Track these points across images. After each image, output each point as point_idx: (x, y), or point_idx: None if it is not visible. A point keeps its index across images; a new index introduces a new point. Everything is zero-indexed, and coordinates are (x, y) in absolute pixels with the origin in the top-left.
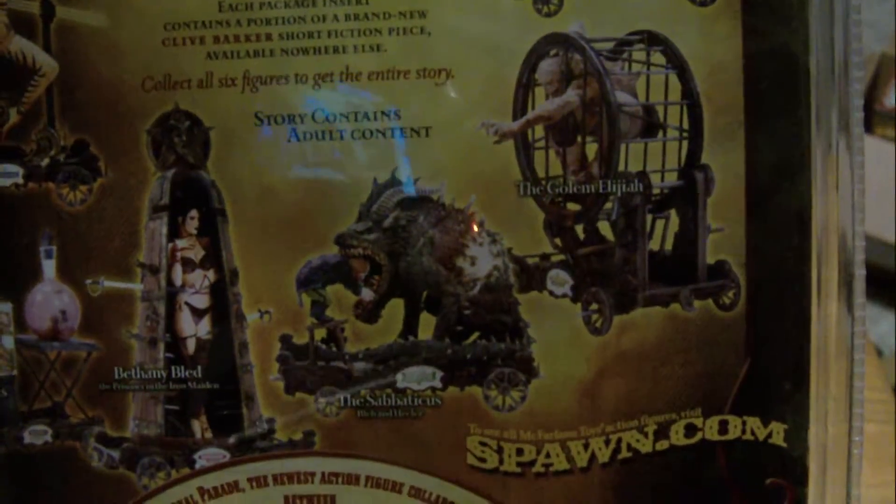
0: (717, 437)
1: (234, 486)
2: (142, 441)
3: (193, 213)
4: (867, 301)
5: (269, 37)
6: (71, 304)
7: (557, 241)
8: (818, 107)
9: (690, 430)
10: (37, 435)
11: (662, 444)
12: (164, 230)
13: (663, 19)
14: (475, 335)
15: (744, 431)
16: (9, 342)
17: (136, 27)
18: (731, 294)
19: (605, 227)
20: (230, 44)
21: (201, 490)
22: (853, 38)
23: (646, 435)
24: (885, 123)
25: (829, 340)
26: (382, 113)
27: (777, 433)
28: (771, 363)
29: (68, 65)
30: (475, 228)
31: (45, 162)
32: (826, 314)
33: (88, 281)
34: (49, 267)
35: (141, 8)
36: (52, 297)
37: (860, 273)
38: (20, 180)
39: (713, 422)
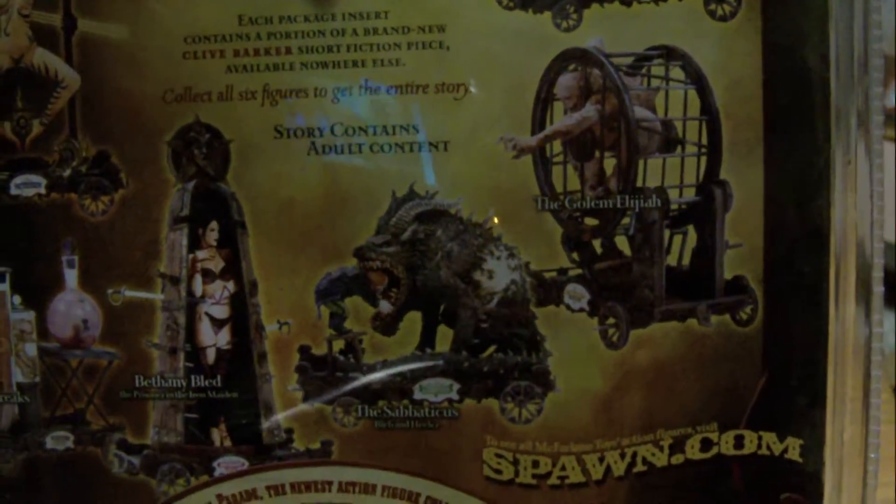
0: (732, 452)
1: (252, 494)
2: (162, 448)
3: (214, 224)
4: None
5: (288, 50)
6: (93, 313)
7: (575, 255)
8: (838, 109)
9: (706, 444)
10: (59, 440)
11: (678, 458)
12: (185, 241)
13: (683, 34)
14: (492, 348)
15: (759, 446)
16: (31, 349)
17: (157, 40)
18: (748, 309)
19: (622, 242)
20: (250, 57)
21: (220, 497)
22: (873, 39)
23: (661, 449)
24: (886, 123)
25: (846, 341)
26: (401, 127)
27: (793, 448)
28: (788, 378)
29: (90, 77)
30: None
31: (68, 173)
32: (843, 314)
33: (110, 290)
34: (71, 276)
35: (162, 21)
36: (74, 306)
37: (878, 275)
38: (43, 191)
39: (729, 436)
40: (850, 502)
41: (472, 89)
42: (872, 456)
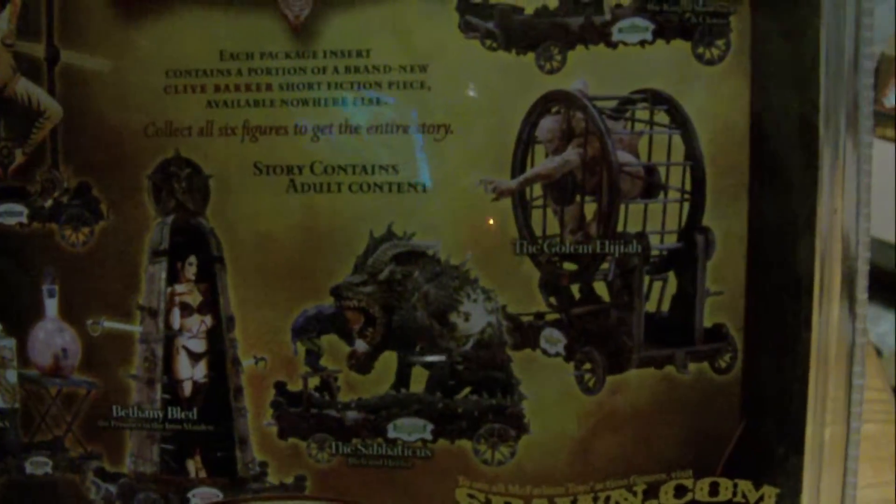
0: (707, 499)
1: None
2: (138, 477)
3: (192, 259)
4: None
5: (269, 87)
6: (72, 343)
7: (552, 300)
8: (827, 108)
9: (680, 490)
10: (38, 466)
11: None
12: (164, 275)
13: (669, 78)
14: (467, 390)
15: (735, 494)
16: (12, 376)
17: (139, 73)
18: (727, 357)
19: (601, 288)
20: (230, 93)
21: None
22: (864, 40)
23: (634, 494)
24: (885, 123)
25: (829, 345)
26: (380, 167)
27: (769, 497)
28: (765, 427)
29: (72, 109)
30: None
31: (49, 203)
32: (828, 312)
33: (89, 321)
34: (51, 306)
35: (144, 55)
36: (54, 335)
37: (862, 275)
38: (24, 220)
39: (704, 483)
40: (830, 502)
41: (453, 130)
42: (852, 467)
